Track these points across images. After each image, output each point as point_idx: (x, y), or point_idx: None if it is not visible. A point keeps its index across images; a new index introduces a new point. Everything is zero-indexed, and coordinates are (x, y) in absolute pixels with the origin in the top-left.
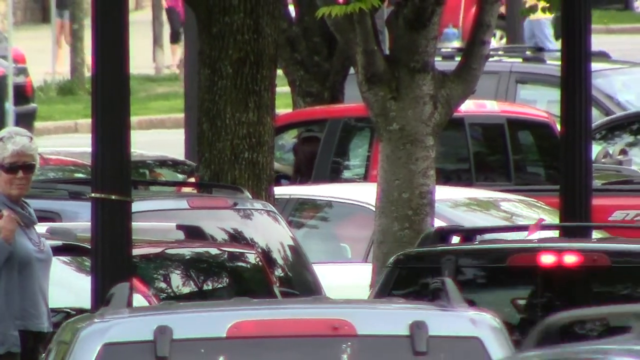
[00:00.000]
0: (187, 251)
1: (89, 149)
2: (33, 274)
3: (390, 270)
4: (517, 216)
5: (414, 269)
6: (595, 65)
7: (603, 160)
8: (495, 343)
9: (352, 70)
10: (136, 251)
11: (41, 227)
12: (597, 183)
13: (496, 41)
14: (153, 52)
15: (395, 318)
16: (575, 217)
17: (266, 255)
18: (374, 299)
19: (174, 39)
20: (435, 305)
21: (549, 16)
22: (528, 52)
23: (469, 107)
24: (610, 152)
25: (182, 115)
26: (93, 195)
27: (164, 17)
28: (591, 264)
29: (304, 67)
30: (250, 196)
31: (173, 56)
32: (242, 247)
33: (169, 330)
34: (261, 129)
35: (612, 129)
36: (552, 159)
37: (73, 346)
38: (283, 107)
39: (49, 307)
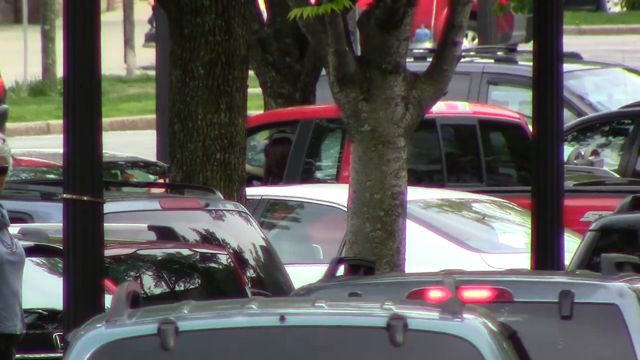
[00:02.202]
0: (158, 252)
1: (60, 150)
2: (5, 276)
3: (592, 236)
4: (490, 217)
5: (615, 234)
6: (567, 66)
7: (575, 161)
8: (630, 309)
9: (323, 72)
10: (108, 252)
11: (13, 228)
12: (568, 184)
13: (468, 42)
14: (124, 53)
15: (548, 287)
16: (547, 218)
17: (238, 256)
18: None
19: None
20: (585, 276)
21: None
22: (500, 53)
23: (440, 108)
24: (582, 153)
25: (153, 117)
26: (65, 196)
27: (135, 17)
28: None
29: (276, 69)
30: (222, 197)
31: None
32: (214, 248)
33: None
34: (233, 130)
35: (584, 130)
36: (524, 160)
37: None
38: (254, 108)
39: (22, 309)
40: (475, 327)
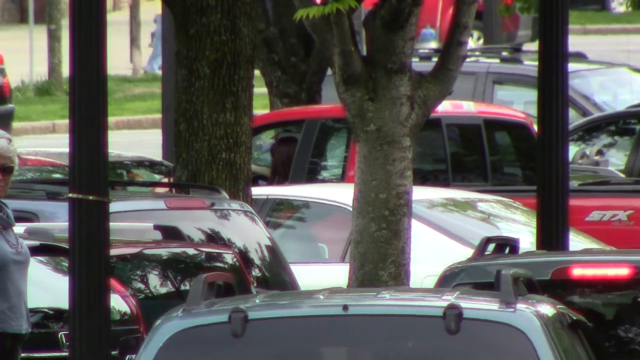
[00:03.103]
0: (164, 251)
1: (66, 150)
2: (11, 275)
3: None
4: (495, 217)
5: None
6: (572, 66)
7: (580, 161)
8: None
9: (329, 71)
10: (114, 251)
11: (19, 228)
12: (574, 184)
13: (473, 42)
14: (130, 53)
15: None
16: (552, 218)
17: (243, 255)
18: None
19: None
20: None
21: None
22: (505, 53)
23: (446, 108)
24: (587, 153)
25: (159, 116)
26: (70, 195)
27: (142, 17)
28: None
29: (281, 68)
30: (227, 196)
31: None
32: (220, 247)
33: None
34: (238, 129)
35: (589, 130)
36: (529, 159)
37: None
38: (260, 108)
39: (27, 308)
40: (527, 317)
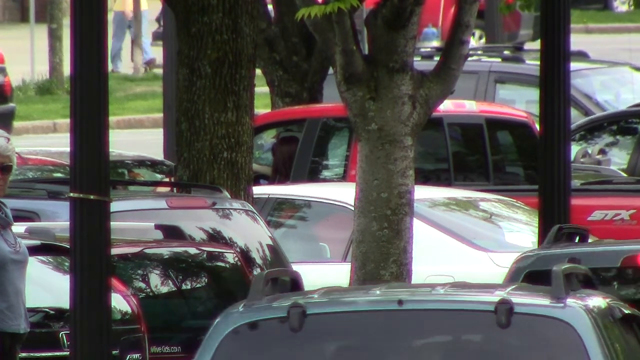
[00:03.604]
0: (165, 251)
1: (67, 149)
2: (9, 275)
3: None
4: (497, 216)
5: None
6: (574, 65)
7: (582, 160)
8: None
9: (330, 71)
10: (115, 251)
11: (20, 227)
12: (576, 183)
13: (475, 41)
14: (131, 52)
15: None
16: (554, 217)
17: (245, 254)
18: None
19: None
20: None
21: None
22: (507, 52)
23: (447, 107)
24: (589, 152)
25: (160, 115)
26: (72, 195)
27: (143, 16)
28: None
29: (283, 67)
30: (229, 196)
31: None
32: (221, 246)
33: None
34: (240, 129)
35: (591, 130)
36: (531, 158)
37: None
38: (262, 107)
39: (25, 307)
40: (576, 312)
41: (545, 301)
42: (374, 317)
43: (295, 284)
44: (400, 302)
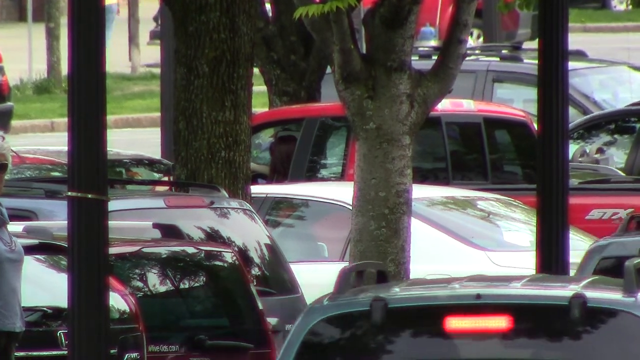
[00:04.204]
0: (163, 250)
1: (65, 148)
2: (5, 274)
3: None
4: (495, 215)
5: None
6: (572, 64)
7: (580, 159)
8: None
9: (328, 70)
10: (113, 250)
11: (17, 226)
12: (574, 182)
13: (473, 40)
14: (129, 51)
15: None
16: (552, 216)
17: (243, 254)
18: None
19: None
20: None
21: None
22: (505, 51)
23: (445, 106)
24: (587, 151)
25: (158, 114)
26: (69, 194)
27: (140, 15)
28: None
29: (281, 66)
30: (226, 195)
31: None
32: (219, 245)
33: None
34: (238, 128)
35: (589, 129)
36: (529, 158)
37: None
38: (259, 106)
39: (21, 306)
40: None
41: (617, 295)
42: (453, 310)
43: (381, 276)
44: (478, 296)
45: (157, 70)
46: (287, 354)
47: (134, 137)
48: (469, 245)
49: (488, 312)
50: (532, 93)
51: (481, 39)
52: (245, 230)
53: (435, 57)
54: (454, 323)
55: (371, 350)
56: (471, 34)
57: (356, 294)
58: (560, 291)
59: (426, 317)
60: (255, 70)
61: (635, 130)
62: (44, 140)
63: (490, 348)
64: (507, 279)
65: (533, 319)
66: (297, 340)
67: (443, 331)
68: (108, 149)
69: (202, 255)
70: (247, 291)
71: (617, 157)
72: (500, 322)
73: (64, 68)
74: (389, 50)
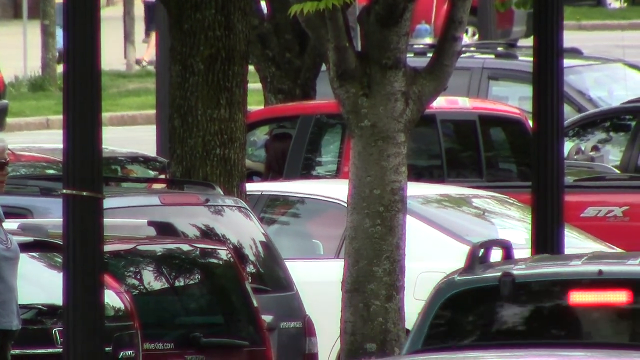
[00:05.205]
0: (158, 247)
1: (60, 145)
2: (1, 272)
3: None
4: (489, 213)
5: None
6: (567, 62)
7: (575, 156)
8: None
9: (323, 67)
10: (108, 247)
11: (12, 224)
12: (569, 180)
13: (468, 37)
14: (124, 48)
15: None
16: (547, 214)
17: (238, 251)
18: None
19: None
20: None
21: None
22: (500, 49)
23: (440, 103)
24: (583, 148)
25: (153, 112)
26: (64, 191)
27: (135, 12)
28: None
29: (276, 64)
30: (221, 193)
31: (147, 49)
32: (214, 243)
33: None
34: (233, 125)
35: (585, 126)
36: (524, 155)
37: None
38: (255, 104)
39: (18, 304)
40: None
41: None
42: (576, 285)
43: (507, 254)
44: (600, 272)
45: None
46: (421, 327)
47: (129, 134)
48: (464, 243)
49: (609, 287)
50: (527, 90)
51: (476, 37)
52: (241, 228)
53: (430, 55)
54: (578, 297)
55: (499, 322)
56: (466, 32)
57: (485, 270)
58: None
59: (551, 292)
60: (251, 67)
61: (630, 128)
62: (39, 137)
63: (611, 321)
64: (623, 257)
65: None
66: (430, 314)
67: (567, 305)
68: (103, 146)
69: (197, 252)
70: (242, 289)
71: (613, 155)
72: (620, 297)
73: (59, 65)
74: (384, 47)
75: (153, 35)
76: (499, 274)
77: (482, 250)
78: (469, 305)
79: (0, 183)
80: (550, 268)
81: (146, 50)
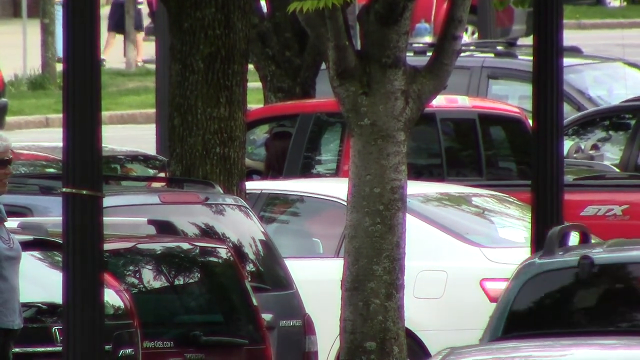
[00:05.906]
0: (158, 246)
1: (60, 144)
2: (3, 271)
3: None
4: (489, 211)
5: None
6: (567, 61)
7: (575, 155)
8: None
9: (323, 66)
10: (107, 246)
11: (12, 222)
12: (568, 178)
13: (468, 36)
14: (124, 47)
15: None
16: (547, 213)
17: (238, 250)
18: None
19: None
20: None
21: None
22: (500, 47)
23: (440, 102)
24: (582, 147)
25: (153, 111)
26: (64, 190)
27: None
28: None
29: (276, 63)
30: (221, 191)
31: (106, 49)
32: (214, 242)
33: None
34: (232, 124)
35: (584, 125)
36: (524, 154)
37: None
38: (254, 103)
39: (20, 303)
40: None
41: None
42: None
43: (584, 237)
44: None
45: (152, 67)
46: (503, 308)
47: (129, 133)
48: (464, 242)
49: None
50: (527, 89)
51: (476, 35)
52: (240, 227)
53: (430, 54)
54: None
55: (578, 303)
56: (466, 30)
57: (564, 253)
58: None
59: (628, 274)
60: (250, 66)
61: (630, 127)
62: (39, 136)
63: None
64: None
65: None
66: (512, 296)
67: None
68: (103, 145)
69: (197, 251)
70: (241, 287)
71: (612, 154)
72: None
73: (59, 64)
74: (383, 46)
75: (115, 36)
76: (578, 256)
77: (560, 234)
78: (549, 286)
79: (3, 181)
80: (627, 252)
81: (105, 50)
